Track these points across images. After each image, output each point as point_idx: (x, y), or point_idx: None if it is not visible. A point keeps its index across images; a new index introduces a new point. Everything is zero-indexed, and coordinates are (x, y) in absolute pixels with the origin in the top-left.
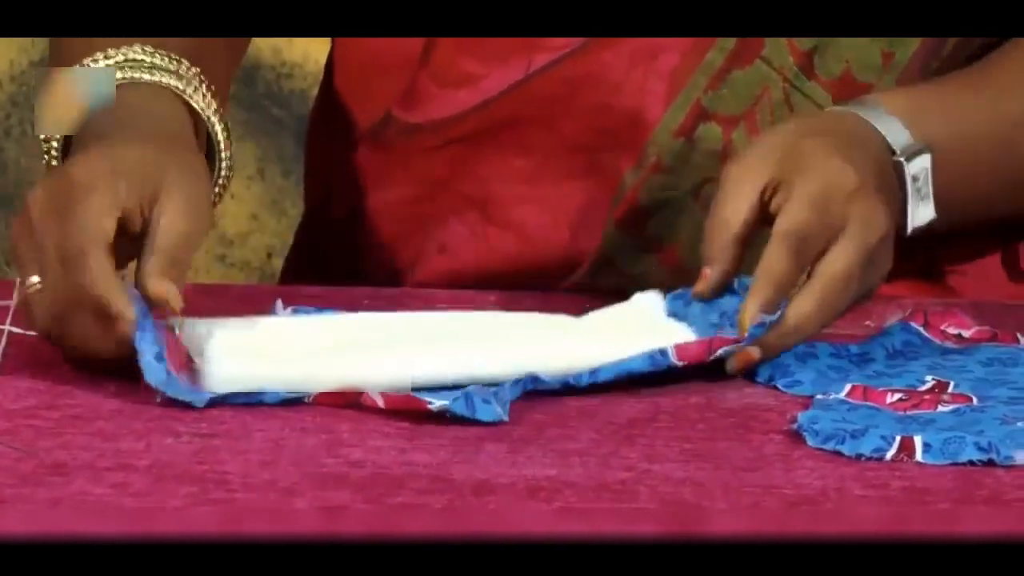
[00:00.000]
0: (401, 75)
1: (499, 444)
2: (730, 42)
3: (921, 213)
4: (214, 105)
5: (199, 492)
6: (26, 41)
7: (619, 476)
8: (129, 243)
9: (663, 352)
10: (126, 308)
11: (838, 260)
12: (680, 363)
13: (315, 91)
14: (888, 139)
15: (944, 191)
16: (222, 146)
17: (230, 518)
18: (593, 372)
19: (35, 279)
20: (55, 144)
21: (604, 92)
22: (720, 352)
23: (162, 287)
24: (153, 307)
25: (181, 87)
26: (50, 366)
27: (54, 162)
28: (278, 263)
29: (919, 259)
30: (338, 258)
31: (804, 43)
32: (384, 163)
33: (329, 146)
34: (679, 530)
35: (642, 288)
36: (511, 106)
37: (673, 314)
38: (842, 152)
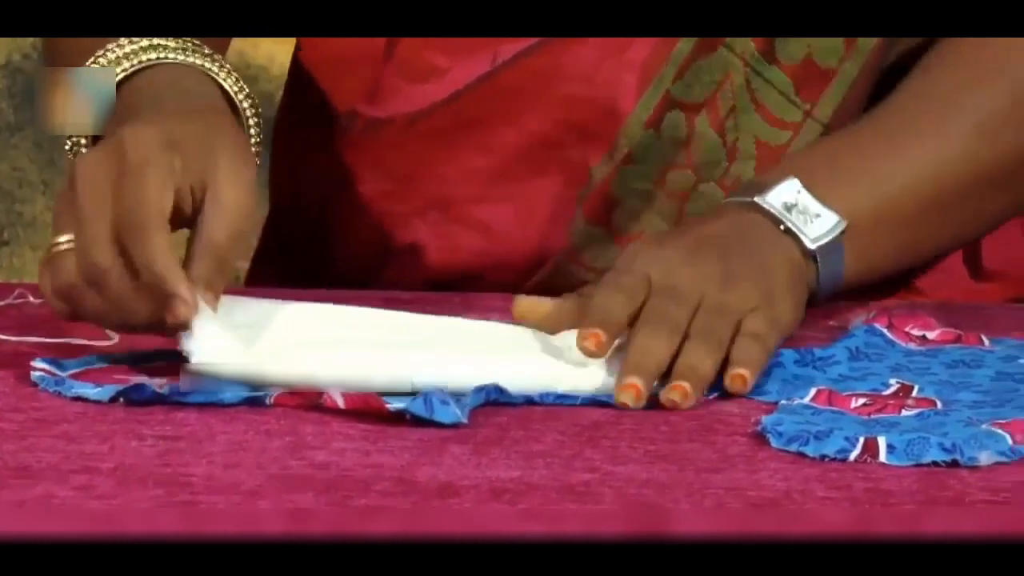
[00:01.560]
0: (366, 70)
1: (463, 446)
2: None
3: (820, 226)
4: (242, 86)
5: (164, 494)
6: None
7: (583, 478)
8: (174, 219)
9: None
10: (186, 291)
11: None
12: None
13: (280, 94)
14: (794, 229)
15: (878, 260)
16: (252, 131)
17: (194, 520)
18: (560, 397)
19: (64, 238)
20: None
21: (574, 84)
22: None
23: (207, 297)
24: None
25: (211, 67)
26: (13, 370)
27: (83, 143)
28: (243, 265)
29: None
30: (306, 258)
31: None
32: (351, 161)
33: (295, 145)
34: (642, 531)
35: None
36: (478, 100)
37: None
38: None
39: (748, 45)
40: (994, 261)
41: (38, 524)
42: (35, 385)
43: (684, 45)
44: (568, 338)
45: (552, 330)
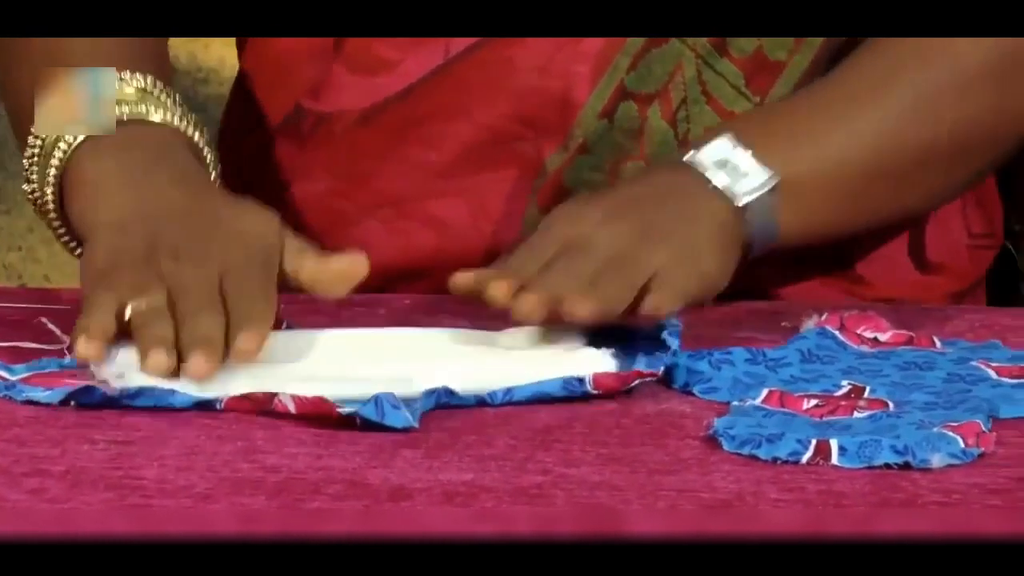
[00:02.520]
0: (313, 65)
1: (415, 450)
2: None
3: (750, 182)
4: (201, 129)
5: (115, 497)
6: None
7: (535, 480)
8: None
9: (580, 380)
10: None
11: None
12: (595, 391)
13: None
14: (714, 182)
15: (816, 221)
16: (212, 167)
17: (146, 522)
18: (508, 391)
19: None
20: (50, 188)
21: (528, 75)
22: (635, 383)
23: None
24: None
25: (175, 122)
26: None
27: (49, 205)
28: None
29: (828, 255)
30: None
31: None
32: (299, 158)
33: (243, 143)
34: (595, 532)
35: None
36: (430, 93)
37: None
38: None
39: (700, 38)
40: (938, 254)
41: None
42: None
43: (637, 36)
44: (510, 337)
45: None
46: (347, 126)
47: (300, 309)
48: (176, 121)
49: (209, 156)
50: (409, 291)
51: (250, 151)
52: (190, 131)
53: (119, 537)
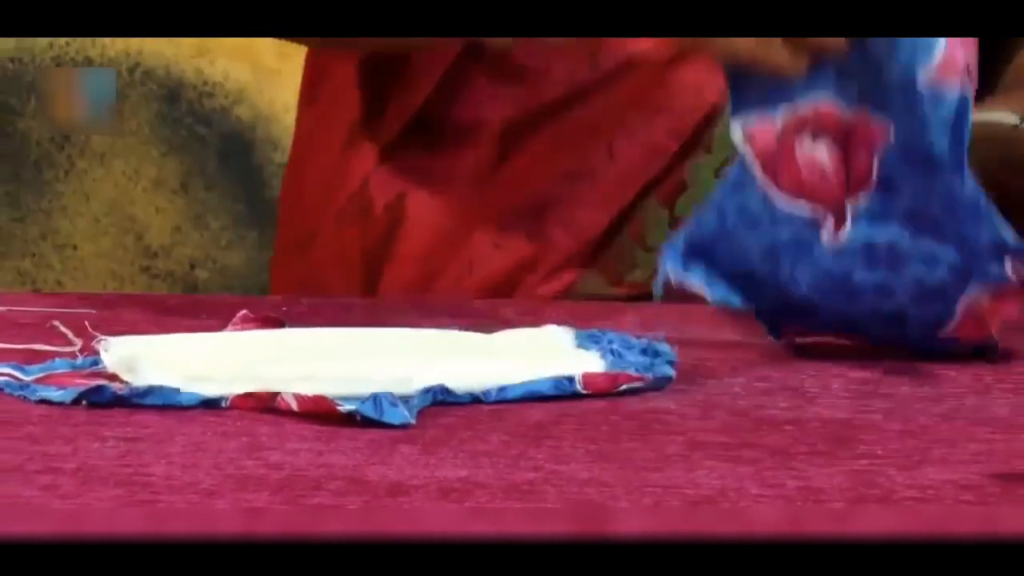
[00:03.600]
0: (443, 69)
1: (412, 446)
2: None
3: None
4: None
5: (124, 494)
6: None
7: (527, 476)
8: None
9: (570, 379)
10: None
11: None
12: (585, 391)
13: (236, 109)
14: None
15: None
16: None
17: (154, 519)
18: (501, 389)
19: None
20: None
21: (687, 94)
22: (624, 387)
23: None
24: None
25: None
26: None
27: None
28: (200, 274)
29: None
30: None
31: None
32: (427, 161)
33: (361, 148)
34: (585, 529)
35: None
36: (585, 108)
37: (581, 347)
38: None
39: None
40: None
41: (5, 523)
42: (0, 389)
43: None
44: (504, 338)
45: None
46: (494, 135)
47: (302, 312)
48: None
49: None
50: (541, 287)
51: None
52: None
53: (129, 536)
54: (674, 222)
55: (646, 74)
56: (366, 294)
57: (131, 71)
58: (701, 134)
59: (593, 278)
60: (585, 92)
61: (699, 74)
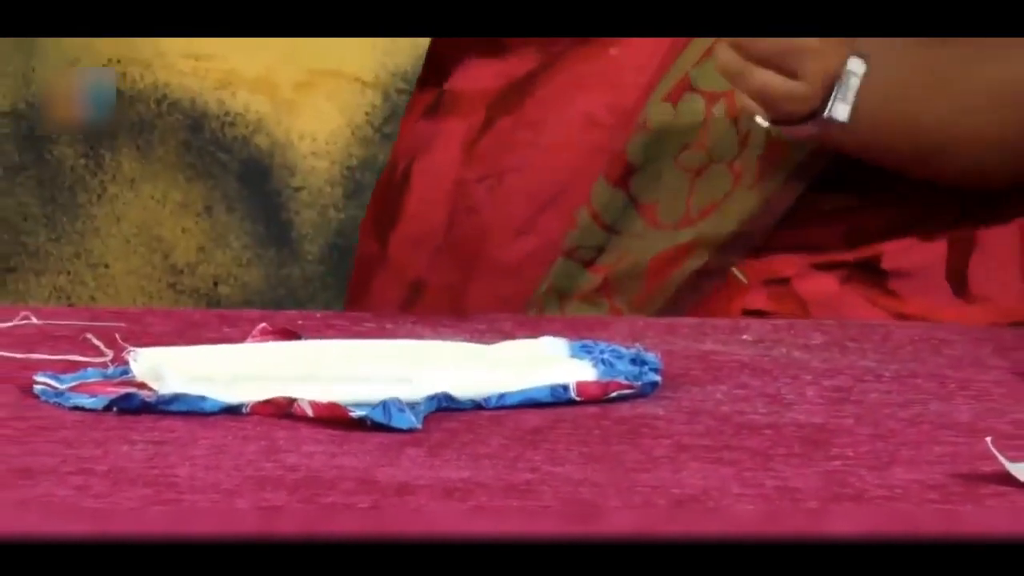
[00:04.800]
0: (456, 50)
1: (418, 449)
2: None
3: (838, 109)
4: None
5: (152, 494)
6: None
7: (525, 477)
8: None
9: (565, 387)
10: None
11: None
12: (579, 398)
13: (255, 137)
14: None
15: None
16: None
17: (179, 518)
18: (501, 396)
19: None
20: None
21: (619, 66)
22: (614, 394)
23: None
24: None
25: None
26: (18, 383)
27: None
28: (223, 290)
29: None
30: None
31: None
32: (432, 128)
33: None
34: (578, 527)
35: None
36: (540, 82)
37: (575, 357)
38: None
39: None
40: (981, 286)
41: (39, 523)
42: (37, 397)
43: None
44: (504, 349)
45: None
46: (476, 104)
47: (315, 324)
48: None
49: None
50: (507, 250)
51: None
52: None
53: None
54: (635, 204)
55: (591, 50)
56: (380, 255)
57: (159, 103)
58: (637, 111)
59: (565, 266)
60: (547, 66)
61: (638, 52)
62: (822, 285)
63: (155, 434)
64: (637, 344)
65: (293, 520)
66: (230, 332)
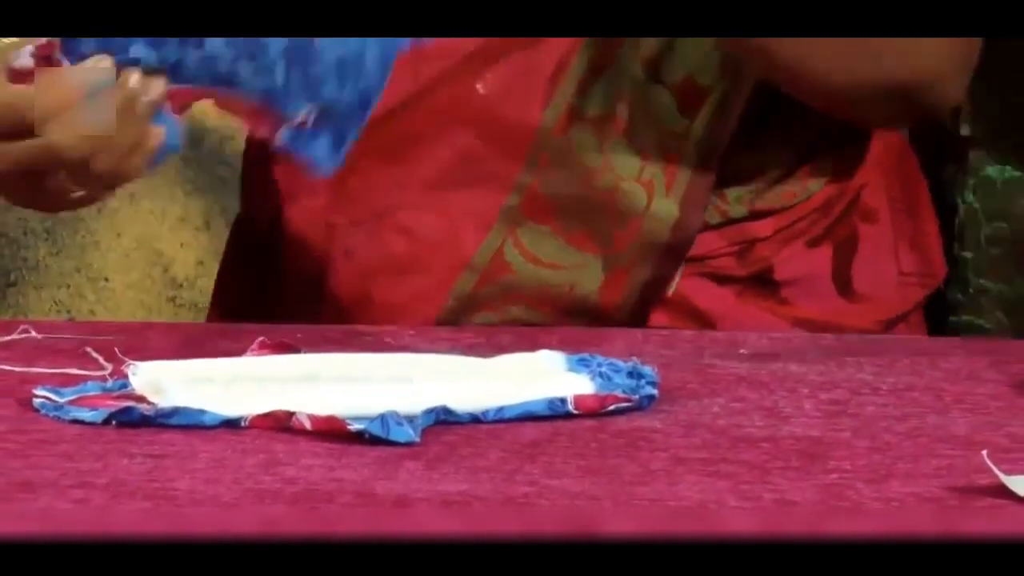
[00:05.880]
0: None
1: (416, 462)
2: (588, 51)
3: None
4: None
5: (151, 507)
6: None
7: (523, 490)
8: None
9: (563, 400)
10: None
11: None
12: (576, 412)
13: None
14: None
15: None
16: None
17: (179, 527)
18: (499, 410)
19: None
20: None
21: (489, 103)
22: (612, 407)
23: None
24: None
25: None
26: (18, 397)
27: None
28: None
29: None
30: (261, 268)
31: (649, 50)
32: (295, 178)
33: (257, 161)
34: (576, 532)
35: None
36: (409, 118)
37: (572, 371)
38: None
39: (636, 66)
40: (863, 286)
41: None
42: (37, 410)
43: (581, 62)
44: (501, 362)
45: None
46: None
47: (313, 338)
48: None
49: None
50: (390, 292)
51: (262, 169)
52: None
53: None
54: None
55: (460, 84)
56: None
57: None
58: (518, 143)
59: (480, 314)
60: (408, 102)
61: (509, 84)
62: (720, 299)
63: (154, 447)
64: (634, 357)
65: (291, 528)
66: (230, 346)
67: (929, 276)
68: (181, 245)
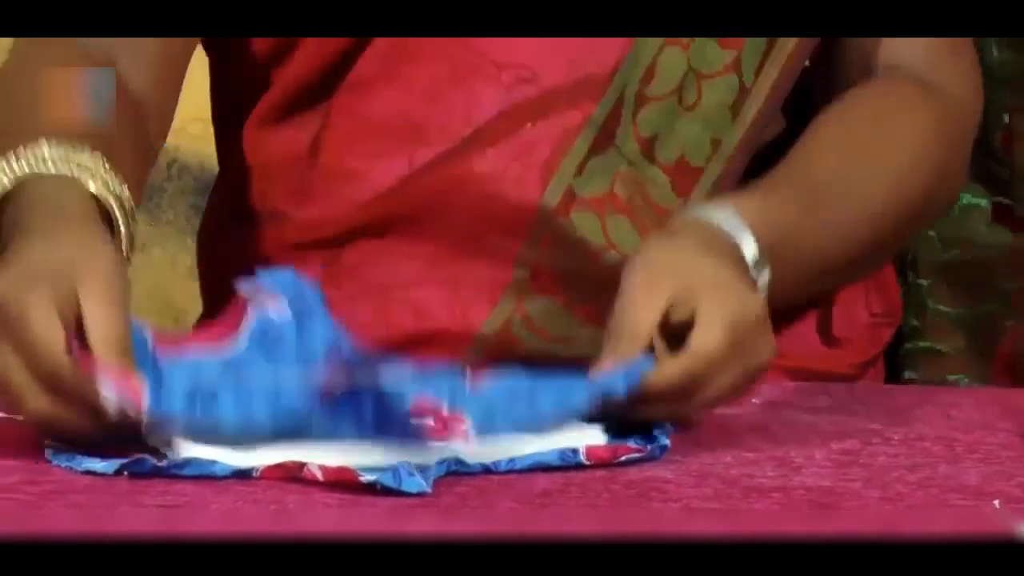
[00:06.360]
0: (292, 173)
1: (429, 511)
2: (591, 133)
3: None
4: (112, 185)
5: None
6: None
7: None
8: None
9: (574, 451)
10: (110, 408)
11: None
12: (588, 462)
13: None
14: (744, 252)
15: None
16: (123, 232)
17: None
18: (511, 460)
19: None
20: None
21: (487, 184)
22: (623, 458)
23: (126, 378)
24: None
25: (80, 176)
26: (29, 447)
27: None
28: None
29: None
30: None
31: (645, 131)
32: (287, 252)
33: (227, 237)
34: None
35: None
36: (402, 200)
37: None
38: (739, 276)
39: (633, 147)
40: (841, 330)
41: None
42: (48, 461)
43: (581, 144)
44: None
45: None
46: (338, 229)
47: None
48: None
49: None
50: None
51: (233, 245)
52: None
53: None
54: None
55: (457, 167)
56: None
57: (169, 166)
58: (518, 224)
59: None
60: (400, 187)
61: (506, 167)
62: None
63: (167, 498)
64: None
65: None
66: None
67: (893, 316)
68: (192, 295)
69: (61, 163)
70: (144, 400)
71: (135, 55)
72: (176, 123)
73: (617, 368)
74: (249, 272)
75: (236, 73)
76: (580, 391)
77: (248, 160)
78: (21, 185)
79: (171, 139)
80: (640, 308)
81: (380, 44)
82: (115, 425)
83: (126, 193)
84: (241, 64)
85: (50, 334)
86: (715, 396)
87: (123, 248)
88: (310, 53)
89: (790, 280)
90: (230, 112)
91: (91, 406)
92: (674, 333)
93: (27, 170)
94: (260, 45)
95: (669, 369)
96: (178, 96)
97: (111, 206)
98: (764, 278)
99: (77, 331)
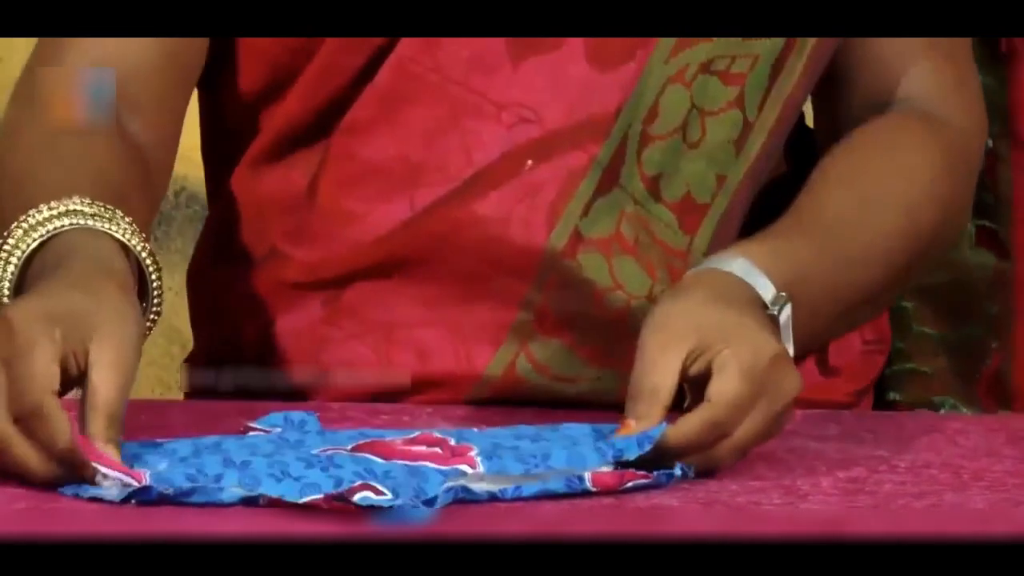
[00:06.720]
0: (288, 215)
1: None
2: (596, 174)
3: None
4: (144, 245)
5: None
6: None
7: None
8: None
9: (580, 478)
10: (85, 464)
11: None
12: (594, 488)
13: None
14: (761, 295)
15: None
16: (153, 280)
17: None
18: (517, 488)
19: None
20: (7, 285)
21: (492, 227)
22: (630, 485)
23: (108, 449)
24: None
25: (118, 232)
26: None
27: (5, 299)
28: None
29: None
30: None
31: (650, 170)
32: (285, 293)
33: (217, 277)
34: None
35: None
36: (403, 243)
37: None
38: (752, 319)
39: (638, 185)
40: (837, 359)
41: None
42: (55, 488)
43: (587, 186)
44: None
45: None
46: (338, 271)
47: (332, 416)
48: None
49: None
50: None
51: (226, 284)
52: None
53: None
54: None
55: (460, 209)
56: None
57: (177, 195)
58: (524, 266)
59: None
60: (401, 229)
61: (511, 209)
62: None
63: (174, 525)
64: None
65: None
66: (249, 423)
67: (884, 342)
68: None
69: (96, 218)
70: (145, 479)
71: (135, 105)
72: (183, 151)
73: (632, 436)
74: (244, 311)
75: (228, 113)
76: (592, 454)
77: (241, 199)
78: (54, 237)
79: (179, 168)
80: (659, 371)
81: (376, 86)
82: (63, 475)
83: (148, 247)
84: (232, 104)
85: (46, 374)
86: (745, 439)
87: (152, 304)
88: (302, 94)
89: (806, 321)
90: (222, 151)
91: (56, 455)
92: (697, 383)
93: (65, 221)
94: (250, 85)
95: (688, 423)
96: (177, 146)
97: (146, 265)
98: (787, 312)
99: (77, 381)
